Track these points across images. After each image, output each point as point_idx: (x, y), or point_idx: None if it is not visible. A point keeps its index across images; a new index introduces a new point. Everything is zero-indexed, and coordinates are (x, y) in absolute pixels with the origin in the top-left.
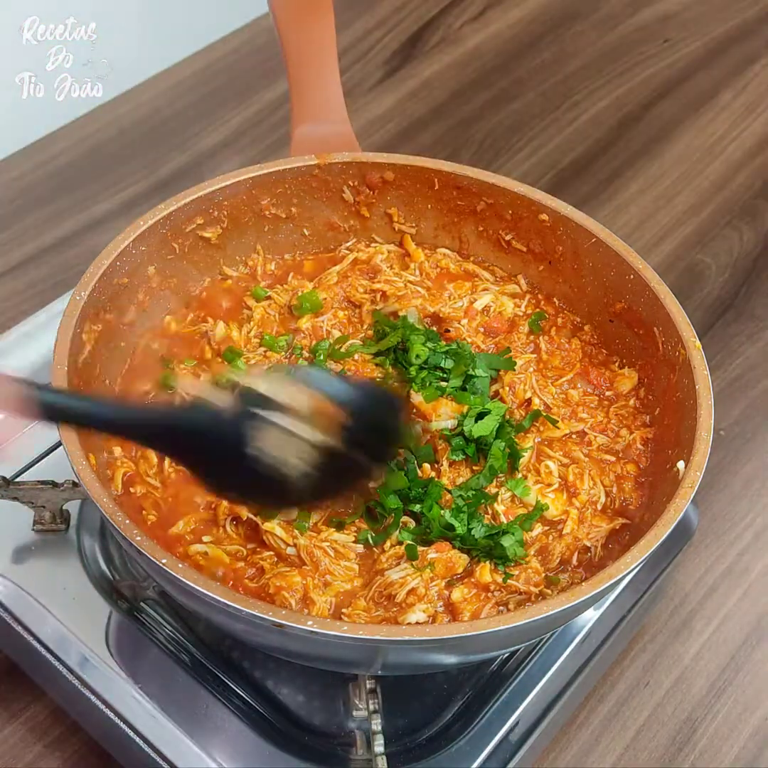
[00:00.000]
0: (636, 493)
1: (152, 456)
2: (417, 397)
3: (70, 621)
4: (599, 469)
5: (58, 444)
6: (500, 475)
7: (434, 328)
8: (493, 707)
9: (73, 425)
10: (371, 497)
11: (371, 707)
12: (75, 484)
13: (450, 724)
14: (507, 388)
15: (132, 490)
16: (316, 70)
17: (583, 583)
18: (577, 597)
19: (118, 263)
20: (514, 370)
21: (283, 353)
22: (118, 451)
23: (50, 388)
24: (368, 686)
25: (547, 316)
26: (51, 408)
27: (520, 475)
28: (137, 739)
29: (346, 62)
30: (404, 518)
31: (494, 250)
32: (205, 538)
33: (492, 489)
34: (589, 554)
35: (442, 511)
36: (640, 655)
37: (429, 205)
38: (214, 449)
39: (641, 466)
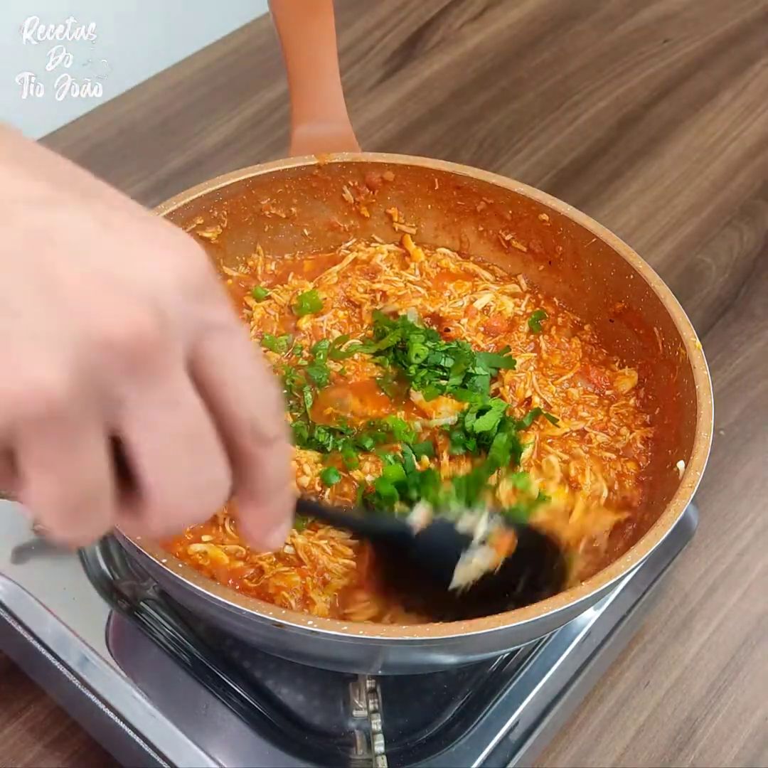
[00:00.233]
0: (637, 490)
1: None
2: (417, 396)
3: (70, 621)
4: (600, 466)
5: None
6: (501, 468)
7: (434, 328)
8: (493, 707)
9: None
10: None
11: (371, 707)
12: None
13: (450, 724)
14: (507, 387)
15: None
16: (316, 70)
17: (583, 583)
18: (577, 597)
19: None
20: (514, 368)
21: (283, 353)
22: None
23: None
24: (368, 686)
25: (547, 316)
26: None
27: (521, 469)
28: (137, 739)
29: (346, 62)
30: (400, 506)
31: (494, 250)
32: (204, 538)
33: (492, 480)
34: (595, 544)
35: (439, 494)
36: (640, 655)
37: (429, 205)
38: (411, 559)
39: (641, 465)
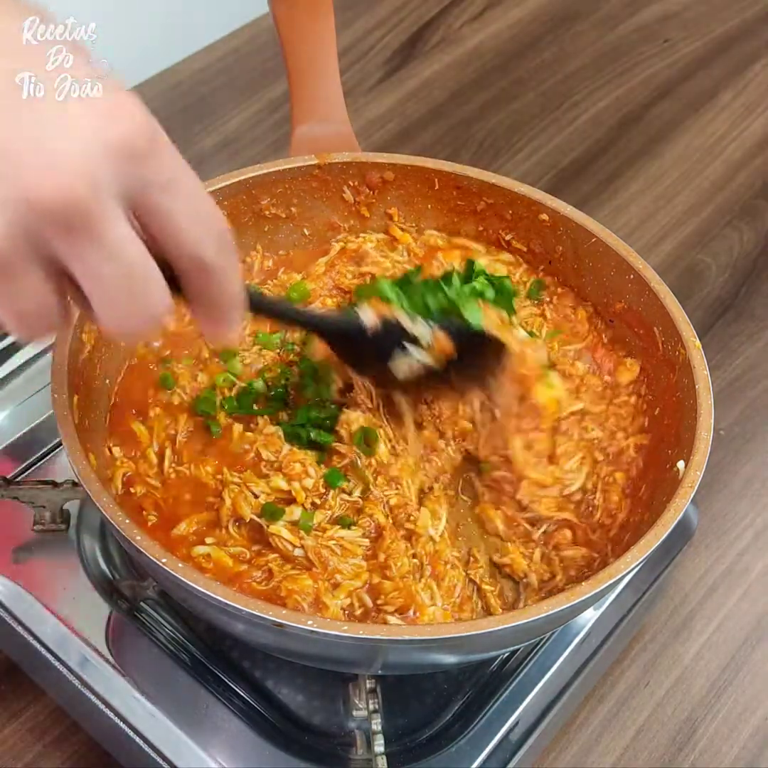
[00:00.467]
0: (624, 502)
1: (152, 456)
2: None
3: (70, 621)
4: (590, 459)
5: (58, 444)
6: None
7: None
8: (493, 707)
9: (262, 314)
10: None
11: (371, 707)
12: (75, 484)
13: (450, 724)
14: None
15: (132, 490)
16: (316, 70)
17: (583, 583)
18: (577, 597)
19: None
20: (515, 311)
21: (277, 351)
22: (117, 451)
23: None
24: (368, 686)
25: (547, 285)
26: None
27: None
28: (137, 739)
29: (346, 62)
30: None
31: (494, 249)
32: (207, 540)
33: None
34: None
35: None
36: (640, 655)
37: (429, 205)
38: (358, 351)
39: (631, 476)
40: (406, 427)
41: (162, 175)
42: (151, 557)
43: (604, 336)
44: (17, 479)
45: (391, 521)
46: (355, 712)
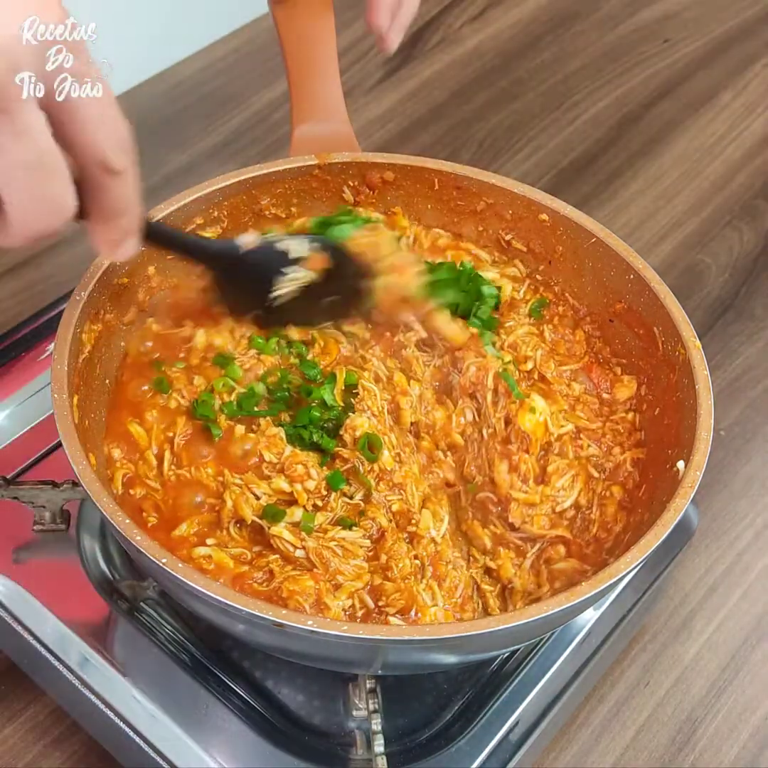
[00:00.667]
0: (620, 514)
1: (151, 458)
2: None
3: (70, 621)
4: (584, 476)
5: (58, 444)
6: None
7: None
8: (493, 707)
9: (154, 240)
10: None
11: (371, 707)
12: (75, 484)
13: (450, 724)
14: (507, 348)
15: (132, 491)
16: (316, 70)
17: (583, 583)
18: (577, 597)
19: (117, 263)
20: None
21: (275, 355)
22: (117, 452)
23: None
24: (368, 686)
25: (549, 303)
26: (149, 228)
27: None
28: (137, 739)
29: (346, 62)
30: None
31: (494, 249)
32: (208, 541)
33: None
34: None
35: None
36: (640, 655)
37: (429, 205)
38: (242, 276)
39: (627, 488)
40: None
41: (77, 69)
42: (151, 557)
43: (600, 355)
44: (17, 479)
45: (393, 524)
46: (355, 712)
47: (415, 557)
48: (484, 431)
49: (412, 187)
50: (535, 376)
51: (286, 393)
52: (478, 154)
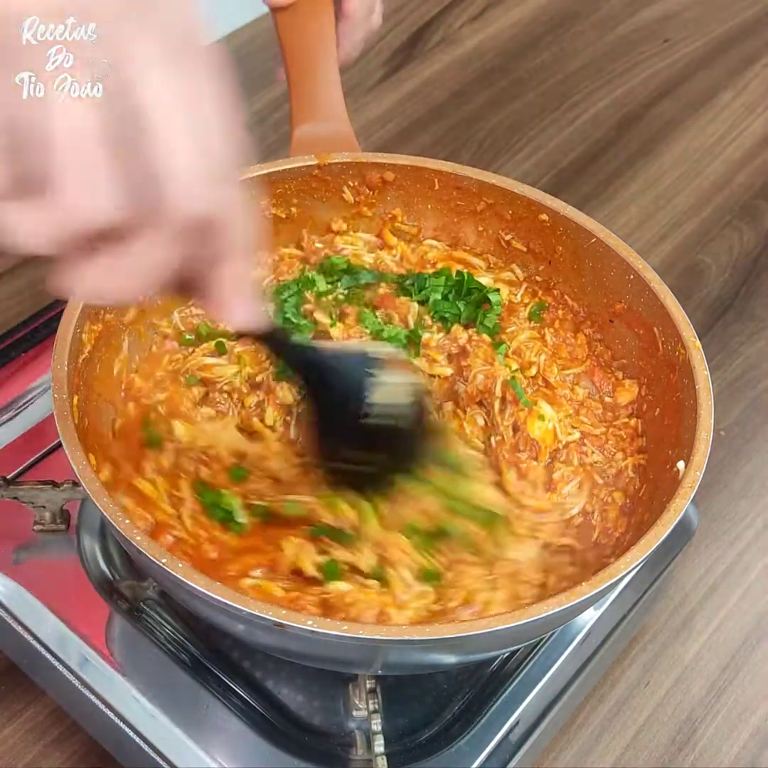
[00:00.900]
0: (621, 520)
1: (168, 508)
2: None
3: (70, 621)
4: (590, 482)
5: (59, 444)
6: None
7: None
8: (493, 707)
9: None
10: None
11: (371, 707)
12: (75, 484)
13: (450, 724)
14: (512, 354)
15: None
16: (315, 71)
17: (583, 583)
18: (577, 597)
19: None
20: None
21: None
22: (129, 503)
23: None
24: (368, 686)
25: (548, 307)
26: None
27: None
28: (137, 739)
29: None
30: None
31: (494, 249)
32: (253, 573)
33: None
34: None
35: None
36: (640, 655)
37: (429, 205)
38: (337, 392)
39: (628, 494)
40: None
41: (78, 72)
42: (151, 557)
43: (602, 359)
44: (17, 479)
45: None
46: (355, 713)
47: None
48: (493, 439)
49: (412, 187)
50: (540, 382)
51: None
52: (478, 154)
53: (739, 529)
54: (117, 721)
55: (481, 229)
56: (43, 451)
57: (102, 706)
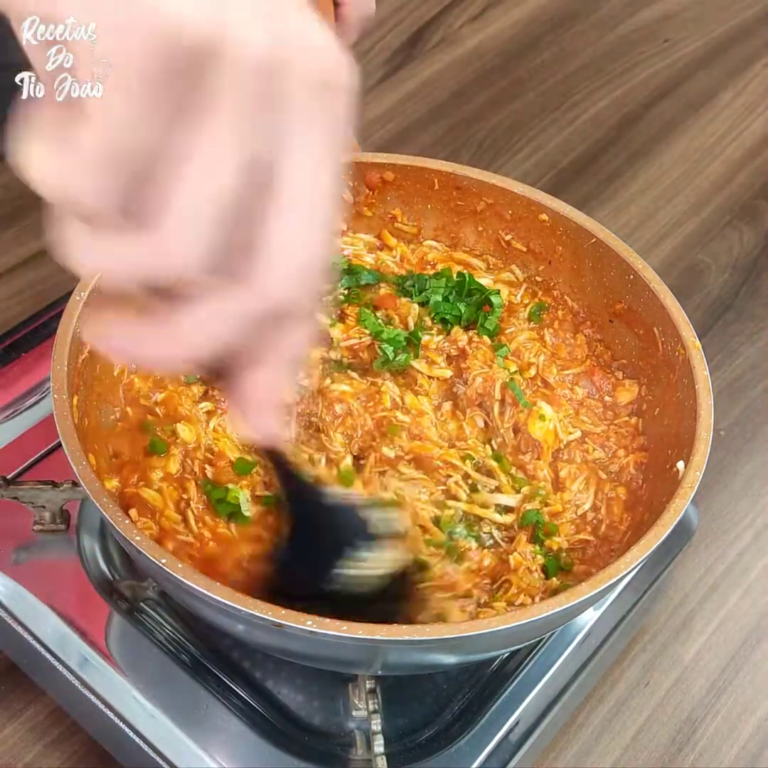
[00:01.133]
0: (626, 514)
1: (174, 515)
2: None
3: (70, 621)
4: (595, 479)
5: (58, 444)
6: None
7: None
8: (493, 707)
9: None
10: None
11: (371, 707)
12: (75, 484)
13: (450, 724)
14: (511, 356)
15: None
16: None
17: (583, 583)
18: (577, 597)
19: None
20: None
21: None
22: (134, 513)
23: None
24: (368, 686)
25: (548, 307)
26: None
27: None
28: (137, 739)
29: None
30: None
31: (494, 249)
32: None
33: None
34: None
35: None
36: (640, 655)
37: (429, 205)
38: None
39: (631, 491)
40: None
41: (78, 72)
42: (151, 557)
43: (601, 359)
44: (17, 479)
45: None
46: (354, 713)
47: None
48: (494, 442)
49: (412, 187)
50: (539, 383)
51: None
52: (478, 154)
53: (739, 529)
54: (117, 721)
55: (481, 229)
56: (43, 451)
57: (102, 706)
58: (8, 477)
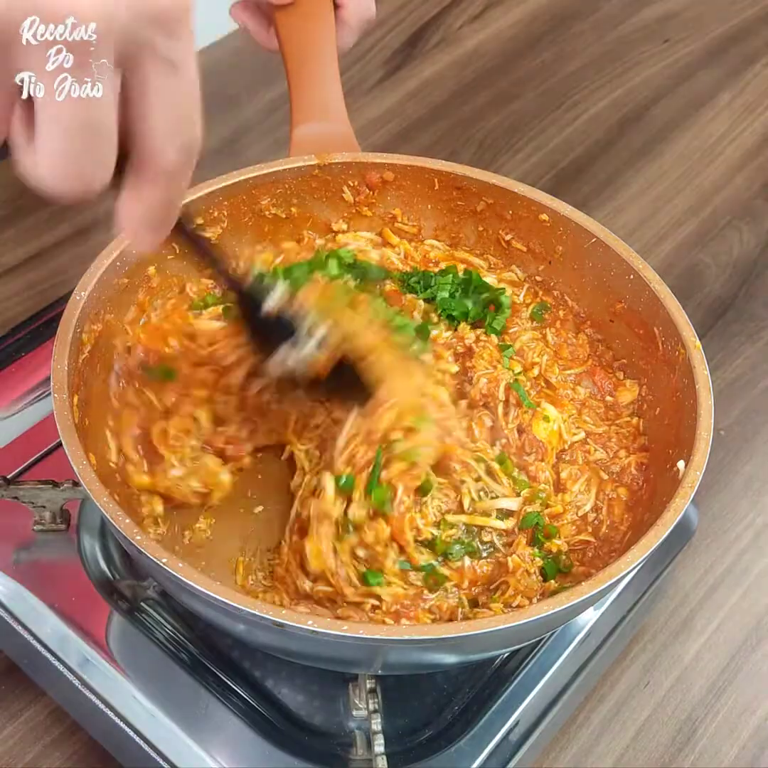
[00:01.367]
0: (627, 514)
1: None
2: None
3: (70, 621)
4: (597, 480)
5: (59, 444)
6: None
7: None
8: (493, 707)
9: (186, 241)
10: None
11: (371, 707)
12: (75, 484)
13: (450, 724)
14: (515, 356)
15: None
16: (315, 71)
17: (583, 583)
18: (577, 597)
19: (117, 263)
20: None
21: None
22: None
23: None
24: (368, 686)
25: (550, 307)
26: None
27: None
28: (137, 739)
29: (346, 62)
30: None
31: (494, 249)
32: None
33: None
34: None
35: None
36: (640, 655)
37: (429, 205)
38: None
39: (633, 491)
40: None
41: (171, 53)
42: (151, 557)
43: (603, 359)
44: (17, 479)
45: None
46: (355, 712)
47: None
48: (499, 442)
49: (412, 187)
50: (542, 383)
51: None
52: (478, 154)
53: (739, 529)
54: (117, 720)
55: (481, 229)
56: (43, 451)
57: (102, 706)
58: (8, 477)
